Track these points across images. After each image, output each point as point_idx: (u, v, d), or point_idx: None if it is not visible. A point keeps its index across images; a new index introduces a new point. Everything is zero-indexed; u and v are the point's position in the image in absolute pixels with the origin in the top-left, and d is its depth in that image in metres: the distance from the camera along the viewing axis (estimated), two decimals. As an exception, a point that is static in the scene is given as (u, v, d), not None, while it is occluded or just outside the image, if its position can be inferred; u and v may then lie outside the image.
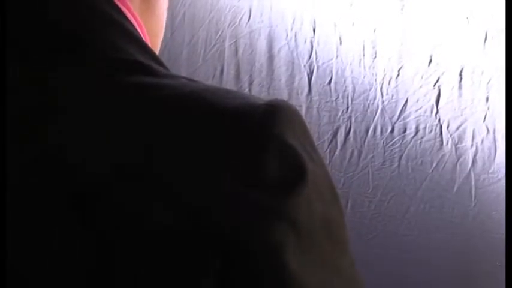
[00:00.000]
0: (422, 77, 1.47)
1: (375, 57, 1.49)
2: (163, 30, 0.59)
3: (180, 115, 0.42)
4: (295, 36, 1.51)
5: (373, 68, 1.49)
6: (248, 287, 0.39)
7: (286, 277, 0.39)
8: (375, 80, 1.49)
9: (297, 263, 0.40)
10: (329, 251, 0.43)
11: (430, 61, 1.47)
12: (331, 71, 1.50)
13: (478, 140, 1.44)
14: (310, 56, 1.51)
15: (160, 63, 0.49)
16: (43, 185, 0.41)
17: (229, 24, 1.53)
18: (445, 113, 1.46)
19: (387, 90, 1.48)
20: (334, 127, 1.49)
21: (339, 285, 0.43)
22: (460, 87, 1.46)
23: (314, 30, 1.51)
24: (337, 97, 1.50)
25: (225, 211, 0.40)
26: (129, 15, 0.51)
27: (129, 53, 0.46)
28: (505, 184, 1.39)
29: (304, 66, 1.51)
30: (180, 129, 0.42)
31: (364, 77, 1.49)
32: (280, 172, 0.41)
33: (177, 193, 0.40)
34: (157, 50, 0.58)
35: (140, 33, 0.51)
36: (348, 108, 1.49)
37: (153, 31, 0.56)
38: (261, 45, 1.52)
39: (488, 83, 1.44)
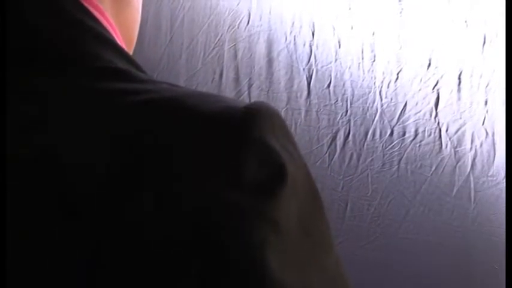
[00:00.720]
0: (421, 80, 1.47)
1: (374, 60, 1.49)
2: (138, 25, 0.59)
3: (161, 119, 0.43)
4: (294, 39, 1.52)
5: (372, 71, 1.49)
6: (230, 287, 0.40)
7: (268, 278, 0.39)
8: (374, 83, 1.49)
9: (279, 263, 0.40)
10: (310, 250, 0.43)
11: (429, 64, 1.47)
12: (330, 75, 1.51)
13: (477, 143, 1.44)
14: (309, 59, 1.51)
15: (138, 67, 0.49)
16: (34, 190, 0.41)
17: (228, 28, 1.53)
18: (444, 116, 1.46)
19: (386, 93, 1.48)
20: (334, 130, 1.49)
21: (322, 284, 0.43)
22: (458, 90, 1.46)
23: (313, 34, 1.51)
24: (336, 100, 1.50)
25: (206, 212, 0.40)
26: (101, 18, 0.51)
27: (107, 60, 0.47)
28: (504, 187, 1.39)
29: (303, 69, 1.51)
30: (161, 132, 0.42)
31: (363, 80, 1.49)
32: (261, 173, 0.41)
33: (161, 193, 0.40)
34: (132, 47, 0.59)
35: (114, 36, 0.51)
36: (347, 111, 1.50)
37: (127, 29, 0.57)
38: (260, 48, 1.52)
39: (486, 86, 1.44)
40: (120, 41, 0.54)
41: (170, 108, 0.43)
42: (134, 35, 0.59)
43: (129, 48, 0.58)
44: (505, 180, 1.39)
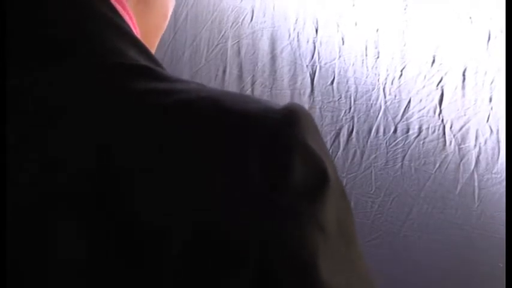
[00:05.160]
0: (425, 77, 1.46)
1: (378, 57, 1.48)
2: (161, 32, 0.58)
3: (199, 121, 0.42)
4: (298, 36, 1.51)
5: (376, 68, 1.48)
6: None
7: (320, 284, 0.39)
8: (378, 80, 1.48)
9: (327, 268, 0.40)
10: (346, 252, 0.43)
11: (433, 61, 1.46)
12: (334, 71, 1.50)
13: (481, 140, 1.43)
14: (312, 56, 1.51)
15: (160, 65, 0.48)
16: (44, 195, 0.41)
17: (231, 25, 1.53)
18: (448, 113, 1.45)
19: (390, 90, 1.48)
20: (337, 127, 1.49)
21: (359, 285, 0.43)
22: (463, 87, 1.45)
23: (317, 31, 1.51)
24: (340, 97, 1.50)
25: (254, 217, 0.39)
26: (124, 14, 0.50)
27: (131, 57, 0.46)
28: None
29: (307, 66, 1.51)
30: (201, 134, 0.41)
31: (366, 77, 1.49)
32: (307, 177, 0.41)
33: (201, 198, 0.40)
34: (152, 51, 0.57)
35: (135, 32, 0.50)
36: (350, 108, 1.49)
37: (148, 32, 0.55)
38: (264, 45, 1.52)
39: (491, 83, 1.44)
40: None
41: (207, 109, 0.42)
42: (154, 41, 0.57)
43: None
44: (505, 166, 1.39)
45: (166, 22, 0.58)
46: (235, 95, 0.45)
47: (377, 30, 1.48)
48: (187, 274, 0.39)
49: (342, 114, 1.49)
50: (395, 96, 1.47)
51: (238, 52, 1.52)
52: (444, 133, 1.45)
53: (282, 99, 1.50)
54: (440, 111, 1.46)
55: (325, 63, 1.50)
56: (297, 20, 1.51)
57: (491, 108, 1.43)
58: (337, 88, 1.50)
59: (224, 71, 1.53)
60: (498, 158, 1.42)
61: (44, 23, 0.46)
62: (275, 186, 0.40)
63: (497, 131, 1.43)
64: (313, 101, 1.50)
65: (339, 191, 0.43)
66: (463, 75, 1.45)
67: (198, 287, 0.39)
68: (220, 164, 0.40)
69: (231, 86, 1.52)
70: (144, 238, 0.39)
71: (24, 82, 0.44)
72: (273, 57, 1.52)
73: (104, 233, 0.40)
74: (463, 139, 1.44)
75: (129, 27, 0.49)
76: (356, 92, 1.49)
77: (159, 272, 0.40)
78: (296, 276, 0.39)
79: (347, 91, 1.49)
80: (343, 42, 1.50)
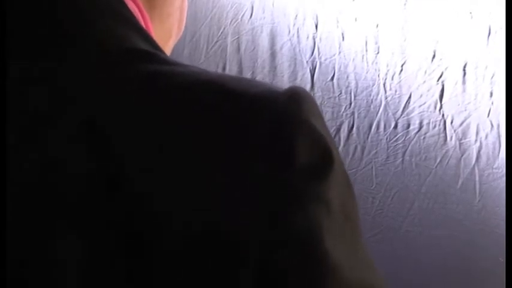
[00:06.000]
0: (425, 72, 1.46)
1: (378, 52, 1.48)
2: (173, 37, 0.57)
3: (201, 104, 0.42)
4: (298, 32, 1.51)
5: (376, 63, 1.48)
6: (290, 270, 0.40)
7: (325, 256, 0.40)
8: (378, 75, 1.48)
9: (332, 242, 0.41)
10: (350, 234, 0.44)
11: (434, 56, 1.46)
12: (334, 67, 1.50)
13: (482, 135, 1.43)
14: (312, 52, 1.50)
15: (163, 52, 0.48)
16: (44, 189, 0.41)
17: (231, 21, 1.52)
18: (448, 108, 1.45)
19: (390, 85, 1.47)
20: (337, 123, 1.49)
21: (360, 266, 0.44)
22: (463, 82, 1.45)
23: (316, 26, 1.50)
24: (340, 93, 1.49)
25: (260, 196, 0.40)
26: (133, 6, 0.50)
27: (134, 42, 0.46)
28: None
29: (307, 62, 1.51)
30: (203, 114, 0.41)
31: (367, 72, 1.48)
32: (312, 156, 0.41)
33: (207, 180, 0.40)
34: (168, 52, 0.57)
35: (143, 24, 0.50)
36: (351, 104, 1.49)
37: (163, 36, 0.55)
38: (263, 41, 1.52)
39: (492, 77, 1.43)
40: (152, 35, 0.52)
41: (210, 90, 0.43)
42: (168, 45, 0.57)
43: None
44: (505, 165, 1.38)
45: (180, 27, 0.57)
46: (237, 78, 0.45)
47: (377, 26, 1.48)
48: (187, 272, 0.39)
49: (343, 110, 1.49)
50: (395, 91, 1.47)
51: (238, 48, 1.52)
52: (445, 128, 1.45)
53: (282, 95, 1.50)
54: (441, 106, 1.45)
55: (325, 59, 1.50)
56: (296, 15, 1.51)
57: (492, 103, 1.43)
58: (338, 84, 1.50)
59: (224, 68, 1.53)
60: (499, 152, 1.42)
61: (44, 13, 0.46)
62: (280, 166, 0.41)
63: (498, 125, 1.42)
64: (313, 96, 1.50)
65: (342, 172, 0.44)
66: (464, 70, 1.45)
67: (201, 282, 0.39)
68: (220, 162, 0.40)
69: (231, 82, 1.52)
70: (145, 237, 0.39)
71: (25, 73, 0.44)
72: (273, 54, 1.52)
73: (104, 233, 0.40)
74: (464, 134, 1.44)
75: (132, 15, 0.48)
76: (356, 87, 1.49)
77: (159, 270, 0.40)
78: (301, 248, 0.40)
79: (347, 87, 1.49)
80: (343, 37, 1.49)
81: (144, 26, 0.50)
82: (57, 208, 0.40)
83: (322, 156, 0.42)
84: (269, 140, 0.41)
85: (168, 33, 0.56)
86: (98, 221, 0.40)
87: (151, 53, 0.46)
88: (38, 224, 0.40)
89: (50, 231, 0.40)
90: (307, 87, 1.50)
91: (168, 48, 0.57)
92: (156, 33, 0.53)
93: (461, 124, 1.44)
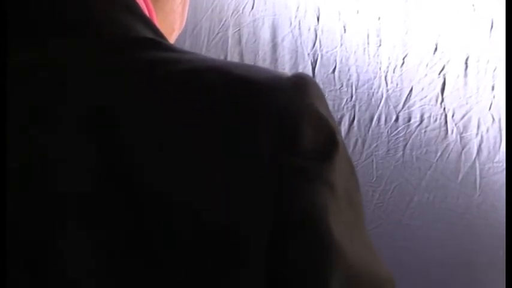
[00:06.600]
0: (427, 66, 1.46)
1: (380, 45, 1.48)
2: (175, 30, 0.57)
3: (208, 88, 0.42)
4: (299, 24, 1.50)
5: (378, 56, 1.48)
6: (297, 251, 0.41)
7: (328, 237, 0.41)
8: (380, 68, 1.48)
9: (335, 224, 0.42)
10: (352, 217, 0.44)
11: (435, 49, 1.45)
12: (335, 60, 1.49)
13: (483, 129, 1.43)
14: (314, 44, 1.50)
15: (167, 41, 0.48)
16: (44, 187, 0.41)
17: (232, 13, 1.52)
18: (450, 102, 1.45)
19: (392, 78, 1.47)
20: (338, 116, 1.49)
21: (363, 250, 0.44)
22: (465, 75, 1.44)
23: (318, 19, 1.50)
24: (341, 86, 1.49)
25: (266, 178, 0.41)
26: None
27: (139, 31, 0.46)
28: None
29: (308, 54, 1.50)
30: (210, 100, 0.42)
31: (368, 65, 1.48)
32: (317, 139, 0.42)
33: (214, 163, 0.41)
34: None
35: (147, 14, 0.50)
36: (352, 97, 1.49)
37: (166, 29, 0.55)
38: (265, 33, 1.51)
39: (494, 71, 1.43)
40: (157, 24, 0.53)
41: (216, 76, 0.43)
42: (170, 38, 0.57)
43: None
44: (505, 164, 1.38)
45: (182, 22, 0.58)
46: (241, 65, 0.46)
47: (379, 18, 1.47)
48: (194, 269, 0.40)
49: (344, 103, 1.49)
50: (397, 84, 1.47)
51: (239, 41, 1.52)
52: (446, 122, 1.45)
53: (283, 87, 1.49)
54: (442, 99, 1.45)
55: (327, 52, 1.50)
56: (298, 7, 1.50)
57: (494, 97, 1.43)
58: (339, 77, 1.49)
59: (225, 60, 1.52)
60: (500, 147, 1.42)
61: (47, 1, 0.46)
62: (286, 149, 0.41)
63: (499, 119, 1.42)
64: (318, 83, 1.49)
65: (346, 159, 0.44)
66: (466, 63, 1.44)
67: (208, 277, 0.40)
68: (227, 149, 0.41)
69: (232, 74, 1.51)
70: (155, 236, 0.40)
71: (26, 62, 0.43)
72: (274, 46, 1.51)
73: (110, 232, 0.40)
74: (465, 128, 1.44)
75: (138, 5, 0.48)
76: (358, 80, 1.48)
77: (160, 269, 0.40)
78: (306, 229, 0.41)
79: (348, 79, 1.49)
80: (344, 30, 1.49)
81: (149, 16, 0.50)
82: (65, 206, 0.40)
83: (327, 140, 0.43)
84: (275, 124, 0.42)
85: (170, 28, 0.56)
86: (107, 220, 0.40)
87: (157, 41, 0.46)
88: (45, 223, 0.40)
89: (58, 230, 0.40)
90: (309, 80, 1.50)
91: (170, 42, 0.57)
92: (159, 27, 0.53)
93: (462, 118, 1.44)
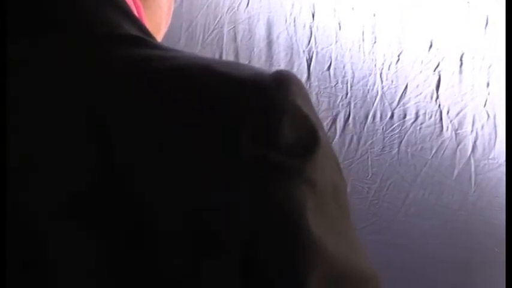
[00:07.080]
0: (422, 62, 1.46)
1: (375, 42, 1.48)
2: (161, 26, 0.57)
3: (192, 85, 0.43)
4: (294, 21, 1.50)
5: (373, 53, 1.48)
6: (273, 246, 0.41)
7: (306, 232, 0.41)
8: (375, 65, 1.48)
9: (315, 220, 0.41)
10: (337, 214, 0.44)
11: (430, 46, 1.45)
12: (331, 57, 1.49)
13: (478, 125, 1.43)
14: (309, 41, 1.50)
15: (154, 39, 0.48)
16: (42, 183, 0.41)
17: (227, 10, 1.52)
18: (445, 99, 1.45)
19: (387, 75, 1.47)
20: (334, 113, 1.49)
21: (346, 247, 0.44)
22: (460, 72, 1.45)
23: (313, 16, 1.50)
24: (337, 83, 1.49)
25: (245, 173, 0.41)
26: None
27: (125, 28, 0.46)
28: (504, 170, 1.38)
29: (303, 51, 1.50)
30: (193, 97, 0.42)
31: (363, 62, 1.48)
32: (297, 136, 0.42)
33: (195, 159, 0.41)
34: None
35: (135, 11, 0.50)
36: (347, 94, 1.49)
37: (154, 27, 0.55)
38: (260, 30, 1.51)
39: (489, 68, 1.43)
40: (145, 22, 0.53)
41: (200, 74, 0.43)
42: (158, 36, 0.57)
43: None
44: (505, 164, 1.38)
45: (167, 23, 0.58)
46: (225, 62, 0.46)
47: (374, 15, 1.47)
48: (181, 268, 0.40)
49: (339, 100, 1.49)
50: (392, 81, 1.47)
51: (235, 38, 1.52)
52: (441, 118, 1.45)
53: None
54: (437, 96, 1.45)
55: (322, 49, 1.50)
56: (293, 4, 1.50)
57: (489, 94, 1.43)
58: (334, 74, 1.49)
59: (220, 57, 1.52)
60: (495, 143, 1.42)
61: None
62: (266, 145, 0.41)
63: (494, 116, 1.42)
64: (309, 86, 1.49)
65: (329, 155, 0.44)
66: (461, 60, 1.44)
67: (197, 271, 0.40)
68: (207, 146, 0.41)
69: (227, 71, 1.51)
70: (150, 235, 0.40)
71: (15, 56, 0.43)
72: (270, 43, 1.51)
73: (110, 232, 0.40)
74: (460, 124, 1.44)
75: (125, 2, 0.48)
76: (353, 77, 1.48)
77: (159, 268, 0.40)
78: (282, 225, 0.41)
79: (344, 77, 1.49)
80: (340, 27, 1.49)
81: (136, 15, 0.50)
82: (65, 206, 0.40)
83: (307, 137, 0.43)
84: (256, 121, 0.42)
85: (157, 27, 0.56)
86: (107, 220, 0.40)
87: (143, 39, 0.46)
88: (45, 222, 0.40)
89: (59, 230, 0.40)
90: (304, 77, 1.50)
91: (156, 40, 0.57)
92: (147, 25, 0.53)
93: (457, 114, 1.44)
